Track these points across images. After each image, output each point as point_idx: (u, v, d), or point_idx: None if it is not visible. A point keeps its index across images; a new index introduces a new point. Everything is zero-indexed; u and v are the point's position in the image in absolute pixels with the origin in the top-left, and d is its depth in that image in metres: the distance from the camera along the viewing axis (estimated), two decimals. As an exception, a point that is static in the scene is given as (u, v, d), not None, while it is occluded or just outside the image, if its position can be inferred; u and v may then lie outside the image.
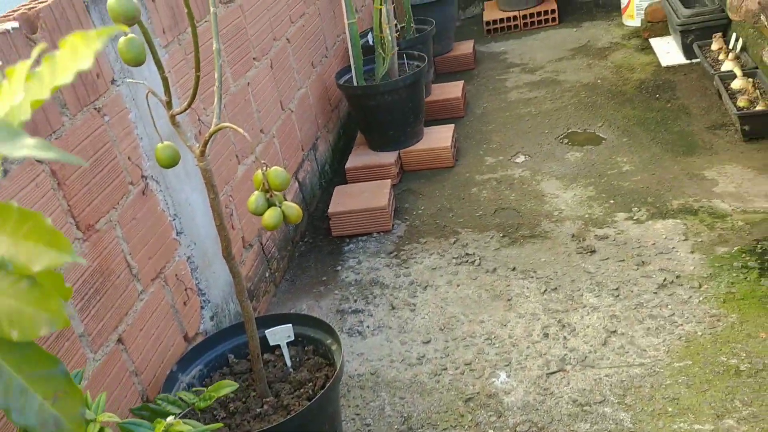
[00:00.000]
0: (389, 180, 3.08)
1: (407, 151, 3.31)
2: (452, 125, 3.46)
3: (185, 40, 2.24)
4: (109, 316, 1.76)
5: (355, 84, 3.32)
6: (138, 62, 1.44)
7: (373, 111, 3.24)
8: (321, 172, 3.30)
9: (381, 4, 3.25)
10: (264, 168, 1.53)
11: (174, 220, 2.10)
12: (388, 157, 3.25)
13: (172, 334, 2.01)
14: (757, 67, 3.28)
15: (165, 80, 1.53)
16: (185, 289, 2.11)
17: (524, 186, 3.02)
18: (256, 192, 1.53)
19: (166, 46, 2.14)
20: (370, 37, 3.76)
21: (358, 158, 3.30)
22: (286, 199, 1.61)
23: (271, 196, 1.53)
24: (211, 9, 1.61)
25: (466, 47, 4.54)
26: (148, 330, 1.91)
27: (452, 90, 3.88)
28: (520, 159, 3.26)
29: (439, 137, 3.35)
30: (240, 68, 2.61)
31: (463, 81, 4.01)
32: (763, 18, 1.36)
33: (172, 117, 1.59)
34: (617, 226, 2.62)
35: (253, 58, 2.73)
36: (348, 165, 3.27)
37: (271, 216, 1.49)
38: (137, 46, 1.44)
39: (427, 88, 3.85)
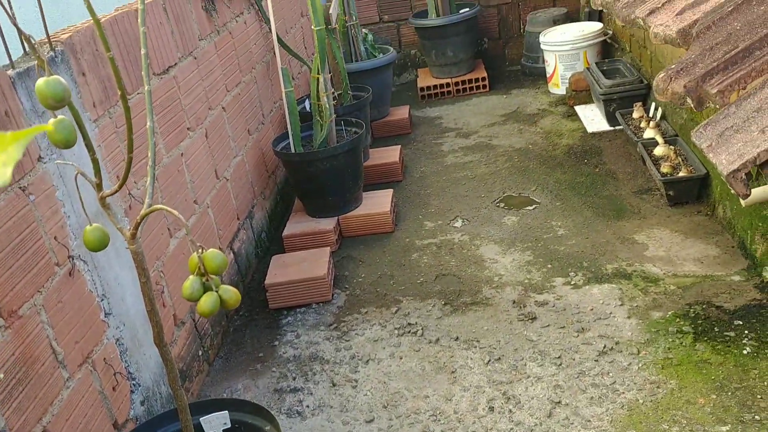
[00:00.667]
0: (328, 247, 3.04)
1: (346, 216, 3.29)
2: (391, 190, 3.47)
3: (116, 114, 2.18)
4: (33, 407, 1.64)
5: (292, 151, 3.30)
6: (68, 145, 1.38)
7: (311, 177, 3.22)
8: (257, 240, 3.24)
9: (318, 74, 3.27)
10: (200, 251, 1.47)
11: (102, 300, 1.99)
12: (327, 224, 3.22)
13: (100, 422, 1.89)
14: (677, 135, 3.44)
15: (95, 162, 1.47)
16: (114, 374, 2.00)
17: (464, 251, 3.03)
18: (191, 276, 1.47)
19: (96, 120, 2.07)
20: (307, 103, 3.78)
21: (296, 225, 3.26)
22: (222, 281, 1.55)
23: (207, 280, 1.47)
24: (146, 87, 1.57)
25: (402, 112, 4.61)
26: (75, 419, 1.79)
27: (390, 154, 3.91)
28: (459, 223, 3.28)
29: (378, 202, 3.35)
30: (173, 138, 2.55)
31: (400, 145, 4.05)
32: (689, 101, 1.42)
33: (102, 199, 1.53)
34: (556, 291, 2.65)
35: (188, 128, 2.68)
36: (285, 233, 3.22)
37: (207, 302, 1.43)
38: (67, 128, 1.37)
39: (366, 153, 3.86)
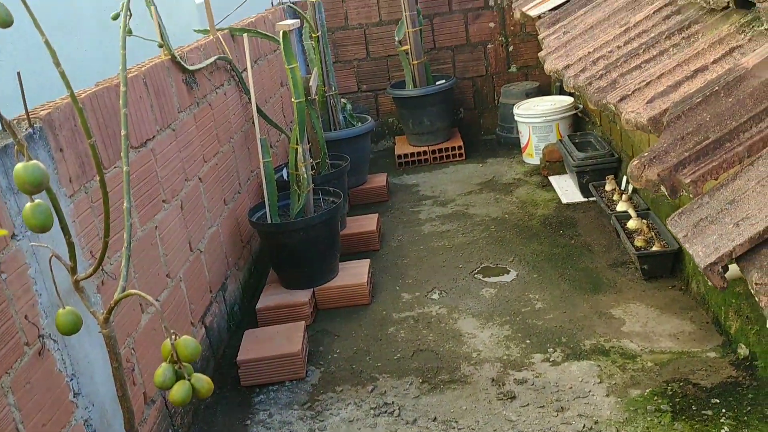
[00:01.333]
0: (303, 321, 3.00)
1: (322, 288, 3.26)
2: (368, 260, 3.46)
3: (92, 189, 2.16)
4: (-9, 499, 1.56)
5: (269, 221, 3.29)
6: (44, 230, 1.36)
7: (287, 248, 3.21)
8: (230, 313, 3.19)
9: (297, 144, 3.30)
10: (173, 337, 1.44)
11: (72, 380, 1.93)
12: (302, 296, 3.18)
13: None
14: (648, 208, 3.50)
15: (71, 245, 1.45)
16: (80, 459, 1.92)
17: (442, 324, 3.01)
18: (163, 364, 1.43)
19: (72, 196, 2.05)
20: (284, 171, 3.79)
21: (270, 297, 3.22)
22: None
23: (180, 367, 1.43)
24: (124, 168, 1.56)
25: (380, 179, 4.65)
26: None
27: (367, 223, 3.92)
28: (437, 295, 3.27)
29: (354, 273, 3.33)
30: (148, 212, 2.53)
31: (377, 214, 4.07)
32: (663, 189, 1.45)
33: (76, 282, 1.50)
34: (535, 368, 2.63)
35: (163, 201, 2.66)
36: (259, 305, 3.18)
37: (179, 392, 1.39)
38: (44, 213, 1.36)
39: (342, 221, 3.87)
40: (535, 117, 4.79)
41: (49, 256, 1.59)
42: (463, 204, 4.36)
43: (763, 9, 1.65)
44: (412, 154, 5.19)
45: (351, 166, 4.05)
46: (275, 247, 3.25)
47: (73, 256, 1.45)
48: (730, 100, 1.56)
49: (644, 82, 1.90)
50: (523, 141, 4.94)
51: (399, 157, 5.20)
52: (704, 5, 2.00)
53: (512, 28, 5.41)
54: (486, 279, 3.37)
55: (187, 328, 2.73)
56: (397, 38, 5.12)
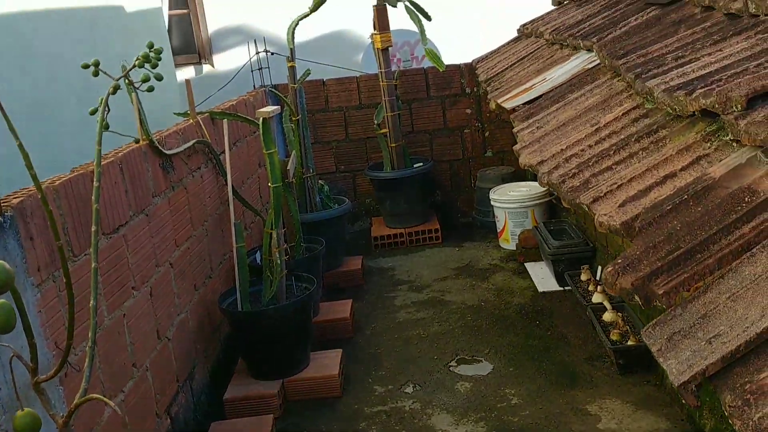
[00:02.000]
0: (271, 415, 2.91)
1: (292, 380, 3.18)
2: (340, 351, 3.39)
3: (60, 277, 2.10)
4: None
5: (239, 308, 3.24)
6: (6, 330, 1.31)
7: (257, 337, 3.14)
8: (196, 403, 3.08)
9: (272, 229, 3.28)
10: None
11: (23, 483, 1.83)
12: (271, 387, 3.10)
13: None
14: (623, 300, 3.51)
15: (33, 346, 1.40)
16: None
17: (415, 421, 2.93)
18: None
19: (39, 285, 2.00)
20: (258, 255, 3.76)
21: (239, 388, 3.13)
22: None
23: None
24: (93, 264, 1.53)
25: (355, 263, 4.63)
26: None
27: (341, 309, 3.87)
28: (410, 389, 3.20)
29: (326, 364, 3.26)
30: (117, 299, 2.47)
31: (351, 299, 4.02)
32: (637, 298, 1.45)
33: (37, 384, 1.44)
34: (508, 467, 2.56)
35: (132, 287, 2.61)
36: (227, 395, 3.08)
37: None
38: (6, 313, 1.31)
39: (316, 307, 3.82)
40: (511, 203, 4.85)
41: (10, 356, 1.54)
42: (438, 290, 4.34)
43: (727, 120, 1.70)
44: (389, 236, 5.20)
45: (326, 249, 4.03)
46: (245, 336, 3.18)
47: (34, 357, 1.40)
48: (700, 209, 1.59)
49: (616, 185, 1.93)
50: (499, 226, 4.98)
51: (375, 239, 5.20)
52: (671, 111, 2.06)
53: (488, 114, 5.54)
54: (461, 372, 3.31)
55: (151, 420, 2.63)
56: (376, 121, 5.21)
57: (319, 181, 4.77)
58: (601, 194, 1.93)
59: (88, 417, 2.18)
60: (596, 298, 3.59)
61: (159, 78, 1.79)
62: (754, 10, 2.22)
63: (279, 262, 3.23)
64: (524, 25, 4.91)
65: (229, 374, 3.35)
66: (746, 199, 1.52)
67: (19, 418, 1.47)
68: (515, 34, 5.11)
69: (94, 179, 1.55)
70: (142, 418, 2.56)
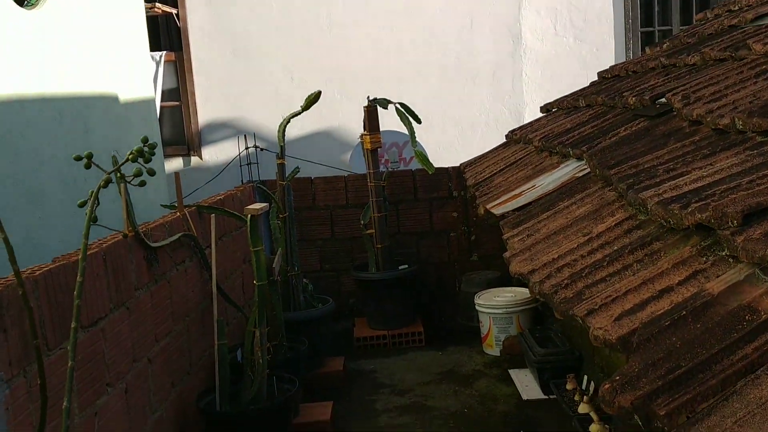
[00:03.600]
0: None
1: (268, 487, 3.02)
2: (319, 457, 3.25)
3: (31, 372, 2.00)
4: None
5: (218, 408, 3.10)
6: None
7: (234, 440, 3.00)
8: None
9: (255, 327, 3.20)
10: None
11: None
12: (246, 496, 2.93)
13: None
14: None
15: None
16: None
17: None
18: None
19: (10, 380, 1.90)
20: (239, 352, 3.65)
21: (212, 494, 2.95)
22: None
23: None
24: (69, 363, 1.46)
25: (336, 363, 4.51)
26: None
27: (321, 411, 3.74)
28: (390, 502, 3.04)
29: (303, 471, 3.10)
30: (90, 396, 2.36)
31: (332, 402, 3.89)
32: (637, 418, 1.39)
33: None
34: None
35: (107, 384, 2.50)
36: (199, 503, 2.91)
37: None
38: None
39: (296, 408, 3.67)
40: (496, 308, 4.80)
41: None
42: (421, 394, 4.22)
43: (723, 236, 1.70)
44: (372, 338, 5.09)
45: (308, 349, 3.93)
46: (222, 438, 3.04)
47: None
48: (699, 326, 1.56)
49: (610, 298, 1.90)
50: (484, 331, 4.91)
51: (358, 339, 5.09)
52: (664, 224, 2.08)
53: (474, 218, 5.59)
54: (444, 484, 3.17)
55: None
56: (362, 221, 5.22)
57: (304, 280, 4.72)
58: (596, 307, 1.90)
59: None
60: (582, 408, 3.49)
61: (151, 173, 1.78)
62: (741, 127, 2.28)
63: (261, 361, 3.13)
64: (513, 131, 5.03)
65: (201, 480, 3.18)
66: (747, 317, 1.50)
67: None
68: (503, 140, 5.23)
69: (78, 274, 1.51)
70: None
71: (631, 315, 1.76)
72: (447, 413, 3.91)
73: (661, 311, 1.69)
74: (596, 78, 5.02)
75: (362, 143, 5.19)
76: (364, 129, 5.12)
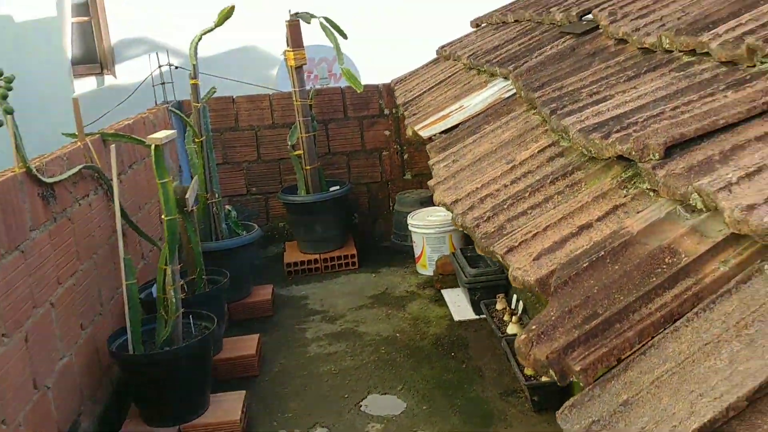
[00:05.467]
0: (164, 470, 2.65)
1: (189, 426, 2.92)
2: (243, 392, 3.15)
3: None
4: None
5: (130, 351, 2.95)
6: None
7: (150, 381, 2.87)
8: (82, 457, 2.78)
9: (166, 264, 3.01)
10: None
11: None
12: (167, 435, 2.83)
13: None
14: (541, 333, 3.42)
15: None
16: None
17: (320, 471, 2.73)
18: None
19: None
20: (154, 289, 3.47)
21: (131, 437, 2.85)
22: None
23: None
24: None
25: (265, 292, 4.38)
26: None
27: (246, 345, 3.63)
28: (318, 433, 3.00)
29: (227, 408, 3.01)
30: (-20, 352, 2.17)
31: (259, 334, 3.78)
32: (552, 373, 1.30)
33: None
34: None
35: (2, 335, 2.31)
36: (117, 447, 2.80)
37: None
38: None
39: (218, 344, 3.56)
40: (429, 228, 4.73)
41: None
42: (353, 320, 4.16)
43: (644, 169, 1.59)
44: (303, 262, 4.97)
45: (233, 279, 3.76)
46: (137, 380, 2.91)
47: None
48: (617, 268, 1.47)
49: (530, 234, 1.79)
50: (417, 251, 4.84)
51: (288, 265, 4.96)
52: (585, 153, 1.96)
53: (407, 136, 5.41)
54: (373, 412, 3.13)
55: (21, 485, 2.32)
56: (290, 142, 4.99)
57: (226, 207, 4.51)
58: (516, 244, 1.79)
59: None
60: (511, 329, 3.49)
61: (9, 111, 1.54)
62: (667, 46, 2.15)
63: (174, 300, 2.96)
64: (443, 46, 4.81)
65: (121, 420, 3.06)
66: (666, 259, 1.40)
67: None
68: (434, 55, 5.01)
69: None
70: (10, 484, 2.26)
71: (550, 254, 1.66)
72: (379, 339, 3.87)
73: (580, 250, 1.59)
74: (528, -13, 4.79)
75: (286, 60, 4.90)
76: (287, 45, 4.81)
